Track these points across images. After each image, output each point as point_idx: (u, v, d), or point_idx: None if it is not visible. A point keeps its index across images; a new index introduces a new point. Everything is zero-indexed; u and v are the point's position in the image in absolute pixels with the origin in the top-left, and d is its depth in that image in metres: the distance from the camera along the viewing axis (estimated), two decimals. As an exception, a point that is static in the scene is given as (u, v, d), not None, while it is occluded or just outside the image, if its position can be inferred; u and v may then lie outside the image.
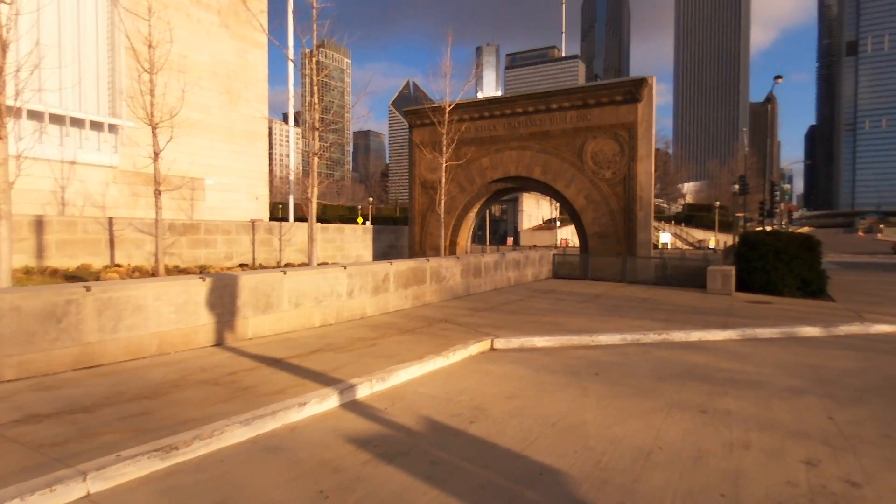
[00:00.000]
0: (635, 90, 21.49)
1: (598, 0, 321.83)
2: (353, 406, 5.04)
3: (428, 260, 11.03)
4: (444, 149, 18.90)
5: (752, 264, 14.24)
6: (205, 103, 28.81)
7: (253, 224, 20.68)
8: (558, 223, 61.88)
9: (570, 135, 22.92)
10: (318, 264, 13.14)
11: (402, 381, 5.80)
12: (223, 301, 7.06)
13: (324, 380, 5.42)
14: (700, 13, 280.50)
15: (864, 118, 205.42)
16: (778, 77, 26.71)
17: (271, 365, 6.08)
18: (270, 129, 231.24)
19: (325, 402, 4.86)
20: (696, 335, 8.53)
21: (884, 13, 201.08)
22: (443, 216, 19.86)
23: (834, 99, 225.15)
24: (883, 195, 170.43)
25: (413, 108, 27.57)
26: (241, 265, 19.41)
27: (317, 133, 12.34)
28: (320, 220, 62.99)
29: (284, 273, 7.75)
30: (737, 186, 31.05)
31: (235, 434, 4.09)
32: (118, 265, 17.63)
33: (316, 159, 12.29)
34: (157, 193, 14.99)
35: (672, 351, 7.73)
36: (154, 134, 14.66)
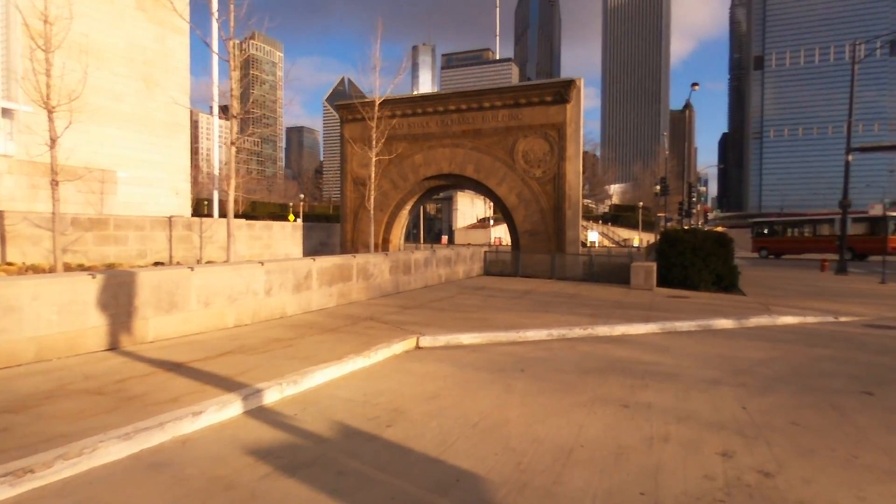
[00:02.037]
0: (564, 91, 21.92)
1: (530, 6, 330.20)
2: (259, 413, 4.59)
3: (354, 256, 10.60)
4: (374, 143, 18.45)
5: (671, 260, 14.82)
6: (119, 90, 26.68)
7: (170, 220, 19.26)
8: (492, 222, 62.70)
9: (503, 133, 23.09)
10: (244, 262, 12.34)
11: (318, 383, 5.39)
12: (118, 301, 6.33)
13: (227, 385, 4.92)
14: (625, 23, 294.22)
15: (770, 127, 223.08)
16: (695, 84, 28.25)
17: (169, 370, 5.48)
18: (197, 122, 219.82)
19: (225, 410, 4.38)
20: (619, 329, 8.66)
21: (786, 31, 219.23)
22: (372, 212, 19.39)
23: (743, 109, 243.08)
24: (785, 198, 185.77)
25: (344, 102, 26.86)
26: (157, 263, 18.00)
27: (235, 121, 11.57)
28: (249, 217, 60.55)
29: (192, 270, 7.09)
30: (658, 187, 32.59)
31: (112, 451, 3.56)
32: (10, 263, 15.84)
33: (234, 149, 11.51)
34: (55, 184, 13.54)
35: (597, 345, 7.77)
36: (50, 119, 13.22)
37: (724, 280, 14.52)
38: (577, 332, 8.32)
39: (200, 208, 72.66)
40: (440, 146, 24.44)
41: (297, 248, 28.74)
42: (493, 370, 6.26)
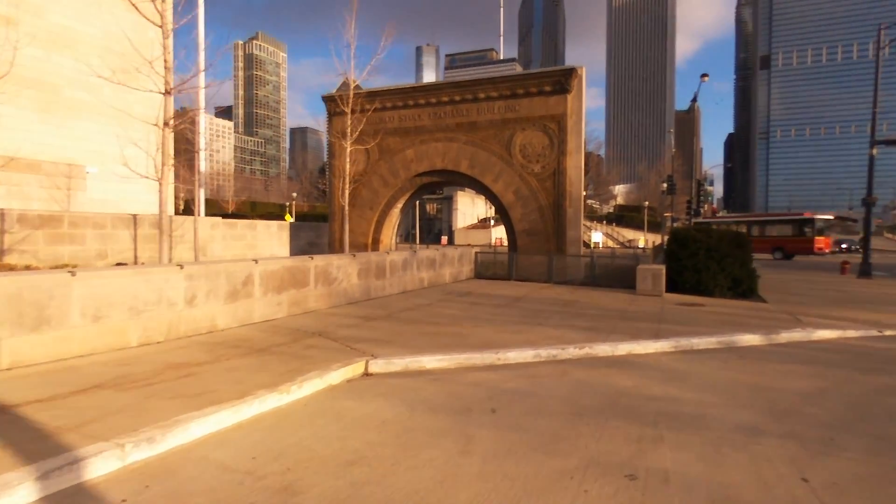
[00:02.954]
0: (565, 80, 20.35)
1: (534, 6, 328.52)
2: (72, 496, 3.01)
3: (312, 258, 9.00)
4: (349, 131, 16.92)
5: (682, 263, 13.18)
6: (94, 82, 25.21)
7: (135, 218, 17.73)
8: (492, 222, 61.08)
9: (499, 126, 21.53)
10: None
11: (192, 438, 3.80)
12: (-38, 316, 4.78)
13: (44, 447, 3.35)
14: (630, 22, 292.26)
15: (776, 127, 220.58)
16: (704, 75, 26.58)
17: (-12, 418, 3.90)
18: (197, 121, 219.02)
19: (6, 497, 2.80)
20: (624, 348, 7.04)
21: (793, 30, 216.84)
22: (346, 208, 17.88)
23: (750, 109, 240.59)
24: (793, 198, 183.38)
25: (331, 94, 25.26)
26: (118, 264, 16.50)
27: (168, 98, 10.05)
28: (236, 216, 58.94)
29: (73, 274, 5.52)
30: (665, 185, 30.94)
31: None
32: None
33: (168, 132, 9.99)
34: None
35: (595, 370, 6.15)
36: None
37: (742, 285, 12.87)
38: (572, 351, 6.71)
39: (189, 207, 71.36)
40: (433, 140, 22.90)
41: (283, 248, 27.22)
42: (454, 411, 4.66)
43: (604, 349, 6.91)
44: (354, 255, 10.00)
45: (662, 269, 12.52)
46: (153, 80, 29.60)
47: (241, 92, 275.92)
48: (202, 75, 33.95)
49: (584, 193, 20.21)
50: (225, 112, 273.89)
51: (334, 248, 25.65)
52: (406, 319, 8.70)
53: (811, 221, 35.24)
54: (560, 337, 7.50)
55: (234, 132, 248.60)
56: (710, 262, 12.76)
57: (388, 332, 7.63)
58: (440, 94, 22.57)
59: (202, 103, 35.18)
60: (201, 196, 32.39)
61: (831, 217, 41.00)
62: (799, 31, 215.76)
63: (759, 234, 36.38)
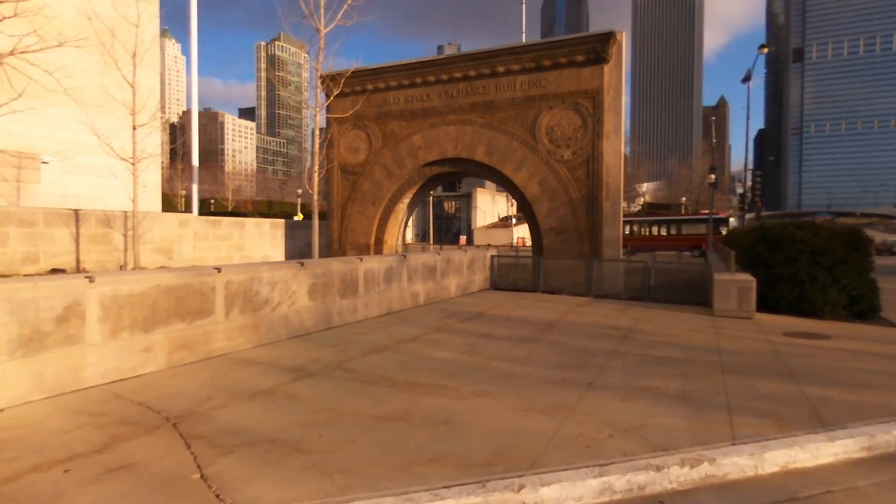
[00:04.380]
0: (601, 47, 16.88)
1: (557, 2, 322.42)
2: None
3: (219, 270, 5.70)
4: (317, 84, 13.65)
5: (774, 271, 9.61)
6: (68, 63, 22.56)
7: (77, 213, 14.76)
8: (514, 220, 57.54)
9: (521, 105, 18.13)
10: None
11: None
12: None
13: None
14: (655, 15, 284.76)
15: (810, 122, 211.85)
16: (763, 46, 22.72)
17: None
18: (223, 123, 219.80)
19: None
20: (775, 458, 3.58)
21: (828, 22, 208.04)
22: (316, 197, 14.51)
23: (781, 104, 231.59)
24: (832, 195, 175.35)
25: (331, 72, 21.98)
26: (54, 271, 13.55)
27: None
28: (236, 214, 56.63)
29: None
30: (713, 176, 27.07)
31: None
32: None
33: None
34: None
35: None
36: None
37: (862, 302, 9.23)
38: (676, 472, 3.29)
39: (206, 209, 69.53)
40: (443, 124, 19.59)
41: (276, 249, 24.20)
42: None
43: (737, 464, 3.46)
44: (303, 264, 6.72)
45: (752, 281, 8.96)
46: (144, 60, 26.21)
47: (263, 93, 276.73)
48: (195, 70, 30.85)
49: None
50: (248, 113, 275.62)
51: (332, 249, 22.56)
52: (364, 374, 5.36)
53: (726, 220, 38.29)
54: (639, 425, 4.10)
55: (257, 133, 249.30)
56: (818, 270, 9.18)
57: (316, 414, 4.31)
58: (452, 68, 19.25)
59: (195, 98, 32.27)
60: (195, 192, 29.55)
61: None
62: (834, 22, 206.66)
63: (674, 232, 39.43)
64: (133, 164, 12.76)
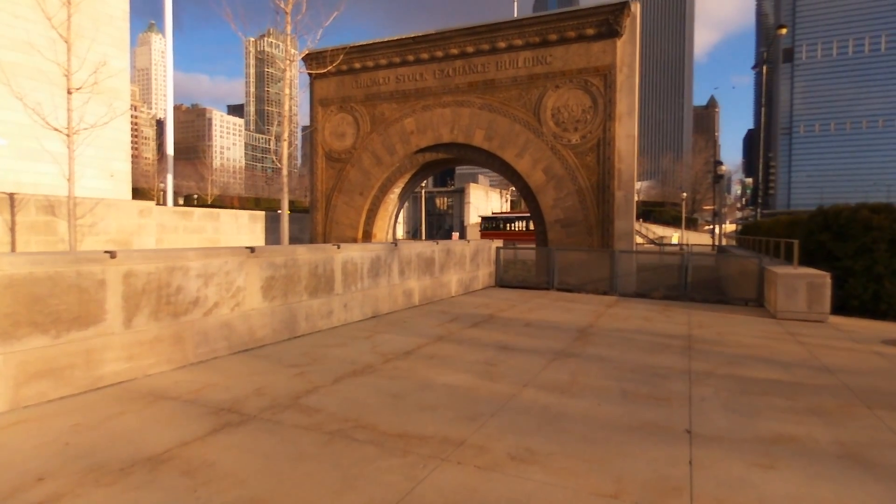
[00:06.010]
0: (614, 19, 15.29)
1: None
2: None
3: (114, 255, 3.85)
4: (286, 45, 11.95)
5: (841, 265, 7.95)
6: (25, 39, 20.45)
7: (11, 197, 12.80)
8: (508, 217, 55.97)
9: (524, 85, 16.49)
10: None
11: None
12: None
13: None
14: (647, 13, 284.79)
15: (799, 122, 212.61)
16: (782, 27, 21.20)
17: None
18: (210, 119, 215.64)
19: None
20: None
21: (818, 23, 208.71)
22: (285, 177, 12.72)
23: (771, 104, 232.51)
24: (824, 194, 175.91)
25: (314, 50, 20.06)
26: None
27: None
28: (213, 206, 54.48)
29: None
30: (724, 167, 25.53)
31: None
32: None
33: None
34: None
35: None
36: None
37: (947, 304, 7.61)
38: None
39: (189, 204, 67.11)
40: (438, 105, 17.88)
41: (255, 243, 22.25)
42: None
43: None
44: (254, 251, 4.90)
45: (826, 276, 7.30)
46: (112, 37, 23.85)
47: (252, 89, 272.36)
48: (169, 54, 28.52)
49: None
50: (237, 110, 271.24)
51: (316, 242, 20.68)
52: (332, 418, 3.55)
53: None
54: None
55: (245, 130, 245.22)
56: (896, 264, 7.52)
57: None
58: (448, 44, 17.51)
59: (170, 85, 30.05)
60: (170, 182, 27.36)
61: None
62: (824, 22, 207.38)
63: (525, 227, 42.91)
64: (68, 135, 10.87)
